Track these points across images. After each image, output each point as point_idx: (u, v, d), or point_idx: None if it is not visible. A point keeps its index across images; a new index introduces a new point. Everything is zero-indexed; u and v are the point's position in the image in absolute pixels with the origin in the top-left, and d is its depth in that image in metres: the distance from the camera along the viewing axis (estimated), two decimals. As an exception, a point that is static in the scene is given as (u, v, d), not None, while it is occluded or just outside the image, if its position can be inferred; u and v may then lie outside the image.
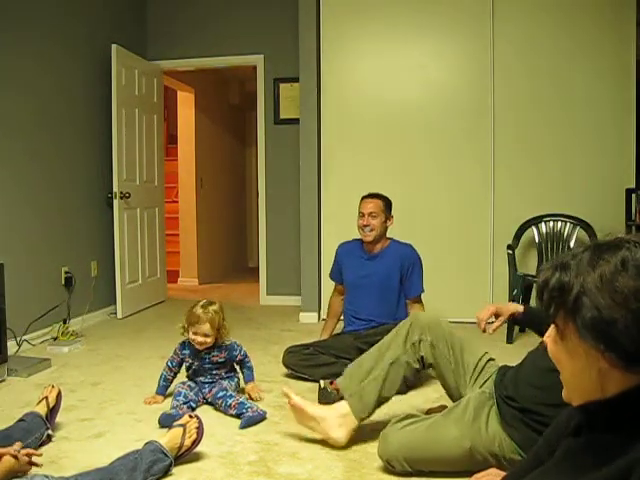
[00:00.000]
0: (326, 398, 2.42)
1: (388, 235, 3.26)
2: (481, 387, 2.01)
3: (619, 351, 0.84)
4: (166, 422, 2.28)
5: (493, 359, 2.14)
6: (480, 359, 2.10)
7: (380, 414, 2.19)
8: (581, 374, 0.92)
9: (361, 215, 3.19)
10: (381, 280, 3.15)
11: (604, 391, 0.89)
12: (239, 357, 2.68)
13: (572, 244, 3.94)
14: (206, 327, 2.55)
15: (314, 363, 2.94)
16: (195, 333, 2.56)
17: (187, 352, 2.63)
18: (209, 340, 2.56)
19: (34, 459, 1.86)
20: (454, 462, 1.83)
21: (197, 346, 2.57)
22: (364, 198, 3.26)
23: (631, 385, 0.86)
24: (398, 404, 2.44)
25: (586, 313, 0.86)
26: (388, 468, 1.92)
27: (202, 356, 2.60)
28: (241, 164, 7.96)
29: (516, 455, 1.77)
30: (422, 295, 3.23)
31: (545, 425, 1.79)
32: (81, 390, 2.80)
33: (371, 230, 3.14)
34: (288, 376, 3.00)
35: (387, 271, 3.15)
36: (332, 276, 3.44)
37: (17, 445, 1.80)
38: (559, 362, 0.96)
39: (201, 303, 2.62)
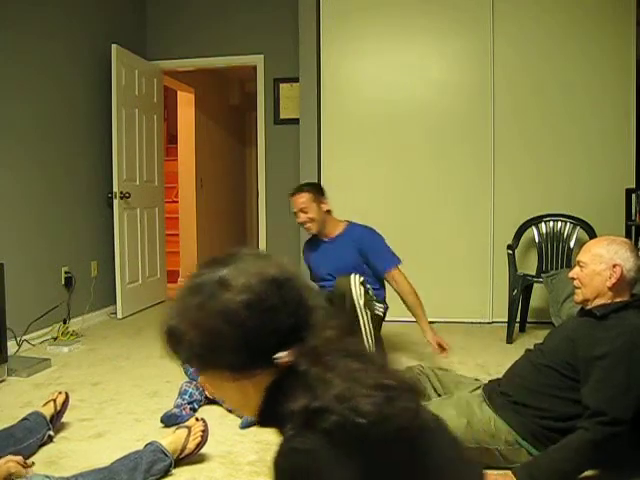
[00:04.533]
0: None
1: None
2: (471, 392, 2.05)
3: (225, 367, 0.89)
4: (169, 421, 2.28)
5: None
6: (473, 390, 2.10)
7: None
8: (231, 397, 0.96)
9: (295, 213, 3.13)
10: (338, 266, 3.04)
11: (253, 400, 0.93)
12: None
13: (572, 244, 3.94)
14: None
15: None
16: None
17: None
18: None
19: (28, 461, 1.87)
20: None
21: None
22: (291, 195, 3.16)
23: (265, 384, 0.90)
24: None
25: (185, 346, 0.90)
26: None
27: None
28: (241, 164, 7.95)
29: (512, 437, 1.81)
30: (399, 266, 3.13)
31: (538, 417, 1.81)
32: (81, 390, 2.80)
33: (310, 223, 3.10)
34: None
35: (344, 255, 3.07)
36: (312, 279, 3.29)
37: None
38: (219, 395, 1.01)
39: None
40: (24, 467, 1.80)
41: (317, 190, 3.17)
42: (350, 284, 2.78)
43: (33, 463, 1.93)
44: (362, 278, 2.85)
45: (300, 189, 3.16)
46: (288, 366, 0.88)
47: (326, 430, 0.82)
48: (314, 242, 3.27)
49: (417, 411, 0.89)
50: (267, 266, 0.91)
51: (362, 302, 2.78)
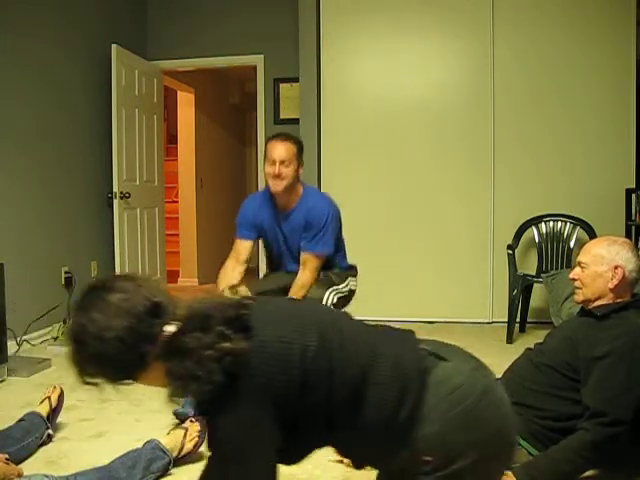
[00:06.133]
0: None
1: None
2: None
3: (124, 377, 1.34)
4: (181, 417, 2.29)
5: None
6: None
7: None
8: (156, 385, 1.34)
9: (271, 162, 2.67)
10: (289, 246, 2.81)
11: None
12: None
13: (572, 244, 3.94)
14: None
15: None
16: None
17: None
18: None
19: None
20: None
21: None
22: (273, 140, 2.74)
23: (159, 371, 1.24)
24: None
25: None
26: None
27: None
28: (241, 164, 7.95)
29: None
30: (322, 255, 2.76)
31: (538, 418, 1.81)
32: (81, 390, 2.77)
33: (282, 179, 2.66)
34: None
35: (294, 234, 2.78)
36: (238, 233, 2.90)
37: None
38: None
39: (226, 292, 2.59)
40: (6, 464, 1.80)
41: (301, 149, 2.76)
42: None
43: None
44: (334, 297, 2.75)
45: (287, 138, 2.73)
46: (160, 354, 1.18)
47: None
48: (264, 205, 2.84)
49: None
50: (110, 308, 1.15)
51: None
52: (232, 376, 1.11)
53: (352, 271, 2.96)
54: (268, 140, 2.78)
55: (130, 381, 1.26)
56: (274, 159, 2.66)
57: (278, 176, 2.66)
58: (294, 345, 1.15)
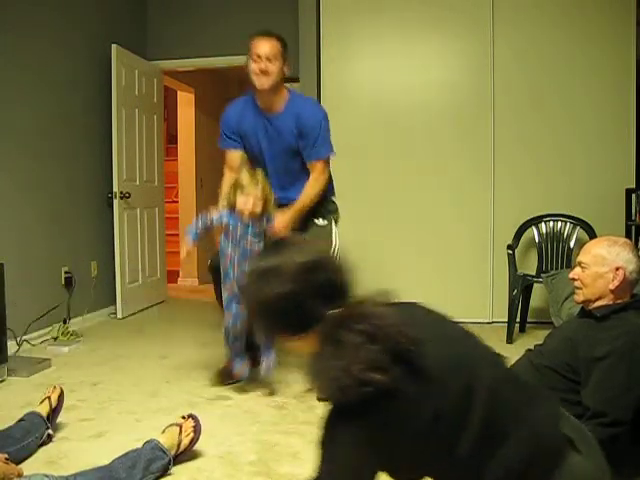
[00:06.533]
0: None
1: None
2: None
3: (281, 331, 1.23)
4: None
5: None
6: None
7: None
8: (300, 349, 1.24)
9: (256, 58, 2.63)
10: (284, 147, 2.75)
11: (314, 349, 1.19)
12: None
13: (572, 244, 3.94)
14: (258, 191, 2.53)
15: None
16: (247, 199, 2.52)
17: (229, 220, 2.59)
18: (259, 208, 2.54)
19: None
20: None
21: (246, 214, 2.55)
22: (257, 37, 2.68)
23: (313, 344, 1.17)
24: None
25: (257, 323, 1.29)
26: None
27: (245, 228, 2.58)
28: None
29: None
30: (329, 156, 2.87)
31: None
32: (81, 390, 2.80)
33: (268, 76, 2.63)
34: (290, 376, 3.00)
35: (282, 139, 2.74)
36: (225, 143, 2.87)
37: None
38: (295, 349, 1.28)
39: (245, 172, 2.58)
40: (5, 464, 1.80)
41: (285, 46, 2.70)
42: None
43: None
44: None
45: (271, 34, 2.67)
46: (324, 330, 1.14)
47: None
48: (247, 109, 2.81)
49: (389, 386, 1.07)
50: (305, 254, 1.17)
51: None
52: (364, 403, 1.07)
53: (336, 214, 2.99)
54: (251, 37, 2.69)
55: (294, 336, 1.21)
56: (259, 54, 2.61)
57: (264, 72, 2.60)
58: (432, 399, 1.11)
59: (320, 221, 2.87)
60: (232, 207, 2.60)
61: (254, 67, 2.64)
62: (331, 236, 2.87)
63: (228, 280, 2.65)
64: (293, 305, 1.13)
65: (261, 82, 2.65)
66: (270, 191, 2.59)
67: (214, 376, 2.87)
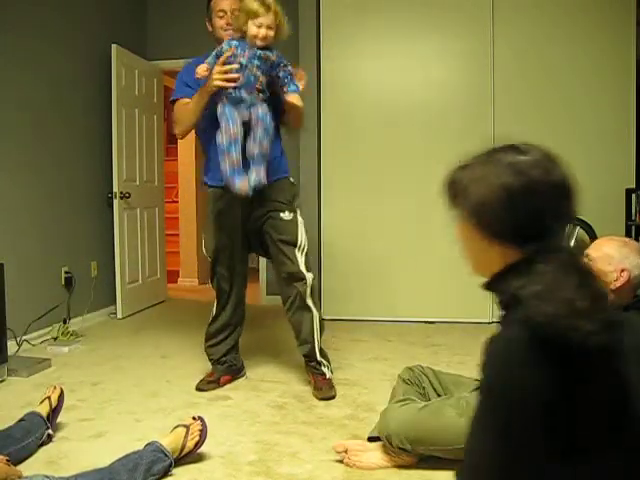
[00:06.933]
0: None
1: None
2: (471, 392, 2.03)
3: (490, 228, 1.10)
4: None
5: None
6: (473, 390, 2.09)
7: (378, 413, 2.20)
8: (472, 250, 1.20)
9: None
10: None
11: (491, 266, 1.17)
12: (284, 64, 2.57)
13: (572, 244, 3.94)
14: (271, 17, 2.41)
15: None
16: (259, 26, 2.40)
17: (238, 46, 2.45)
18: (272, 34, 2.43)
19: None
20: (454, 440, 1.83)
21: (258, 42, 2.44)
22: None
23: (510, 261, 1.10)
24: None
25: (468, 199, 1.13)
26: (387, 446, 1.93)
27: (255, 54, 2.45)
28: (241, 164, 7.94)
29: None
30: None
31: None
32: (81, 390, 2.80)
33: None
34: (290, 376, 3.00)
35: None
36: (182, 92, 2.80)
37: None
38: (460, 242, 1.24)
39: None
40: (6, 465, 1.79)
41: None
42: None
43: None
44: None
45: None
46: (528, 255, 1.07)
47: (529, 325, 0.97)
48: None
49: (596, 336, 0.96)
50: (551, 166, 1.11)
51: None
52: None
53: (298, 199, 2.91)
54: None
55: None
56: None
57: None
58: None
59: (286, 214, 2.77)
60: (241, 35, 2.47)
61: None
62: (297, 230, 2.78)
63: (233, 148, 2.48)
64: (539, 209, 1.06)
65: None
66: (282, 14, 2.45)
67: (200, 383, 2.84)
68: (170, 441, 1.94)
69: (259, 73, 2.51)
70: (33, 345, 3.62)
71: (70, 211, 4.15)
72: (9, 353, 3.15)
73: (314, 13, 4.35)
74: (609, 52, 4.04)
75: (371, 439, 2.05)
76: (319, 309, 2.88)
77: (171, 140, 7.03)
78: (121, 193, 4.47)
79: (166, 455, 1.89)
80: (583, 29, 4.08)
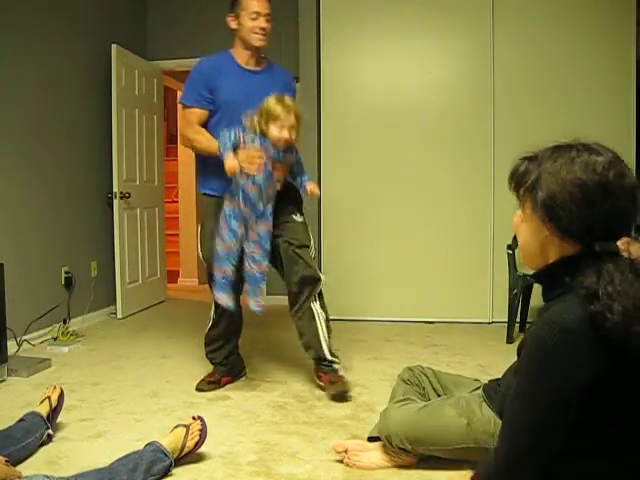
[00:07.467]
0: None
1: None
2: (471, 393, 2.04)
3: (558, 223, 1.12)
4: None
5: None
6: (473, 390, 2.09)
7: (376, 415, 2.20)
8: (531, 240, 1.21)
9: (255, 15, 2.56)
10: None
11: (546, 257, 1.18)
12: (298, 162, 2.65)
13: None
14: (292, 118, 2.41)
15: None
16: (281, 127, 2.40)
17: (263, 144, 2.44)
18: (294, 135, 2.44)
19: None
20: (454, 440, 1.83)
21: (280, 145, 2.44)
22: None
23: (566, 254, 1.14)
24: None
25: (540, 192, 1.14)
26: (387, 446, 1.92)
27: (276, 154, 2.47)
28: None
29: None
30: None
31: None
32: (81, 390, 2.80)
33: (266, 35, 2.64)
34: (290, 376, 3.00)
35: (273, 88, 2.62)
36: (193, 99, 2.71)
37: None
38: (518, 231, 1.27)
39: (273, 98, 2.43)
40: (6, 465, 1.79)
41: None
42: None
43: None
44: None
45: None
46: (591, 250, 1.11)
47: (590, 315, 1.03)
48: (226, 65, 2.72)
49: None
50: (624, 170, 1.15)
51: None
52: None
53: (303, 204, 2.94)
54: None
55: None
56: (258, 12, 2.55)
57: (263, 30, 2.58)
58: None
59: (298, 217, 2.80)
60: (262, 135, 2.48)
61: (254, 24, 2.60)
62: (308, 231, 2.81)
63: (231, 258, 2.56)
64: (610, 210, 1.09)
65: (261, 40, 2.66)
66: (300, 114, 2.48)
67: (200, 383, 2.84)
68: (170, 441, 1.94)
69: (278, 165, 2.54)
70: (33, 345, 3.62)
71: (70, 211, 4.15)
72: (9, 353, 3.15)
73: (314, 13, 4.35)
74: (609, 52, 4.03)
75: (371, 439, 2.05)
76: (327, 310, 2.87)
77: (171, 140, 7.04)
78: (121, 193, 4.47)
79: (166, 455, 1.89)
80: (583, 29, 4.08)
